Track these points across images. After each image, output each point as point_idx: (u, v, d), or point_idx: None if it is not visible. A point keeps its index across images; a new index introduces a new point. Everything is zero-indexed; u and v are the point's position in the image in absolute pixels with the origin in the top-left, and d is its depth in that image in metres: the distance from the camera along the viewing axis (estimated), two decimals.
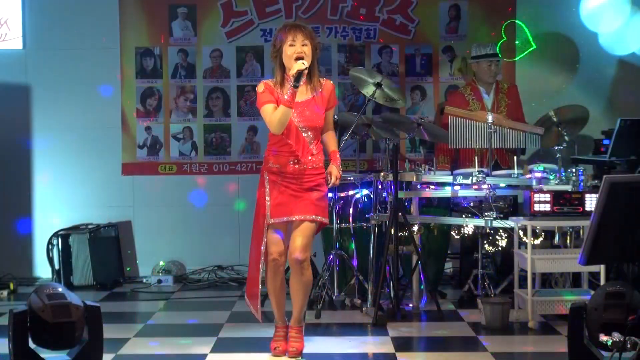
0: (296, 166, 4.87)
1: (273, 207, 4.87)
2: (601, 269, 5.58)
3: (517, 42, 7.72)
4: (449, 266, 7.44)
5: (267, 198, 4.89)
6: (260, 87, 4.89)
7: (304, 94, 4.88)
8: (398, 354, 5.06)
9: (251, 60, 7.84)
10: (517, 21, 7.68)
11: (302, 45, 4.80)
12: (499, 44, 7.36)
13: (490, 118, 6.20)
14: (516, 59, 7.71)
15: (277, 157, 4.89)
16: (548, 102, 7.44)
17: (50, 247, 7.48)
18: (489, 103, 6.85)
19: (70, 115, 7.82)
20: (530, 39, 7.67)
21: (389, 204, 6.15)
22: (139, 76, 7.86)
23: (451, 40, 7.82)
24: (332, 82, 5.04)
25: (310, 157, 4.88)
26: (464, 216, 6.23)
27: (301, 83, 4.76)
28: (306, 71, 4.77)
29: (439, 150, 7.00)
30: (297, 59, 4.76)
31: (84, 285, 7.32)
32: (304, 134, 4.87)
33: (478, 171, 6.04)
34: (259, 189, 4.96)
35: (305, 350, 5.07)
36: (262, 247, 4.91)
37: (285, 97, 4.76)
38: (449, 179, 6.20)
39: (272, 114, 4.79)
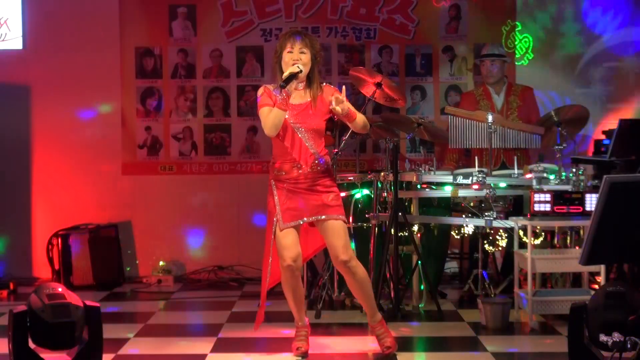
0: (300, 171, 4.88)
1: (283, 212, 4.87)
2: (601, 269, 5.58)
3: (517, 44, 7.74)
4: (449, 266, 7.45)
5: (277, 206, 4.89)
6: (260, 91, 4.94)
7: (302, 97, 4.91)
8: (398, 354, 5.06)
9: (251, 60, 7.84)
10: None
11: (300, 52, 4.84)
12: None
13: (490, 118, 6.20)
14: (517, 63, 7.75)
15: (280, 164, 4.91)
16: (548, 102, 7.44)
17: (50, 247, 7.48)
18: (499, 104, 6.84)
19: (70, 115, 7.83)
20: (531, 48, 7.71)
21: (389, 204, 6.15)
22: (139, 76, 7.87)
23: (451, 40, 7.83)
24: (331, 85, 5.03)
25: (314, 161, 4.89)
26: (464, 216, 6.23)
27: (293, 86, 4.79)
28: (301, 74, 4.80)
29: (448, 149, 6.99)
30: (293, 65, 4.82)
31: (84, 285, 7.32)
32: (300, 136, 4.88)
33: (478, 171, 6.04)
34: (268, 198, 4.97)
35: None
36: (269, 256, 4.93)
37: (279, 99, 4.78)
38: (449, 179, 6.20)
39: (266, 116, 4.83)
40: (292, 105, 4.86)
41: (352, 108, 4.87)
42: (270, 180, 4.97)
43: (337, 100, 4.77)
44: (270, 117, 4.80)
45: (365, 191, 6.46)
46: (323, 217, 4.87)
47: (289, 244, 4.85)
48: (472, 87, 7.70)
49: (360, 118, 4.92)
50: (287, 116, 4.84)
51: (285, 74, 4.76)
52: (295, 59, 4.82)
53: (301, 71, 4.80)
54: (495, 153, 6.49)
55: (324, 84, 5.02)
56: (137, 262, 7.87)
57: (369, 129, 5.10)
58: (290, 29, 5.09)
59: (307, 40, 4.87)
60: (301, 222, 4.89)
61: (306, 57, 4.85)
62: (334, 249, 4.87)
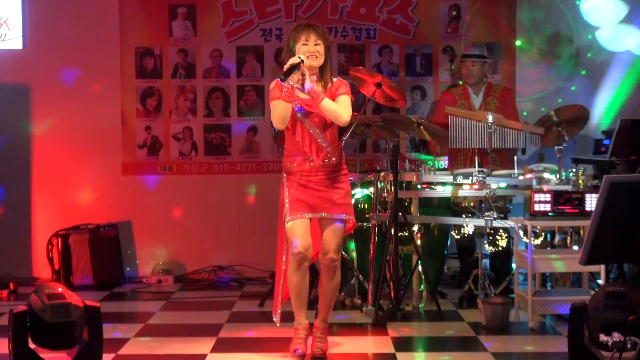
0: (311, 164, 4.88)
1: (291, 203, 4.88)
2: (601, 269, 5.58)
3: (517, 43, 7.74)
4: (449, 266, 7.44)
5: (286, 198, 4.90)
6: (272, 85, 4.92)
7: None
8: (398, 354, 5.06)
9: (251, 60, 7.84)
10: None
11: (315, 44, 4.83)
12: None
13: (490, 118, 6.19)
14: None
15: (292, 157, 4.93)
16: (548, 102, 7.43)
17: (50, 247, 7.48)
18: (477, 104, 6.83)
19: (70, 115, 7.82)
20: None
21: (389, 204, 6.15)
22: (139, 76, 7.86)
23: (451, 40, 7.82)
24: (344, 80, 4.98)
25: (325, 155, 4.89)
26: (464, 216, 6.23)
27: (295, 78, 4.74)
28: (303, 65, 4.77)
29: (431, 145, 7.02)
30: (309, 57, 4.79)
31: (84, 285, 7.32)
32: (311, 131, 4.88)
33: (478, 171, 6.04)
34: (280, 191, 4.99)
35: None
36: (284, 246, 4.94)
37: (284, 92, 4.78)
38: (449, 179, 6.20)
39: (273, 110, 4.83)
40: (303, 98, 4.85)
41: (317, 92, 4.77)
42: (282, 173, 4.99)
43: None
44: (277, 110, 4.80)
45: (365, 191, 6.47)
46: (325, 214, 4.87)
47: (300, 232, 4.84)
48: None
49: (329, 104, 4.77)
50: (297, 109, 4.83)
51: (286, 66, 4.75)
52: (312, 51, 4.80)
53: (302, 61, 4.76)
54: (469, 154, 6.48)
55: (337, 78, 4.99)
56: (137, 262, 7.86)
57: (346, 119, 4.78)
58: (299, 22, 5.04)
59: (320, 32, 4.86)
60: (315, 216, 4.88)
61: (321, 49, 4.83)
62: (327, 245, 4.86)
